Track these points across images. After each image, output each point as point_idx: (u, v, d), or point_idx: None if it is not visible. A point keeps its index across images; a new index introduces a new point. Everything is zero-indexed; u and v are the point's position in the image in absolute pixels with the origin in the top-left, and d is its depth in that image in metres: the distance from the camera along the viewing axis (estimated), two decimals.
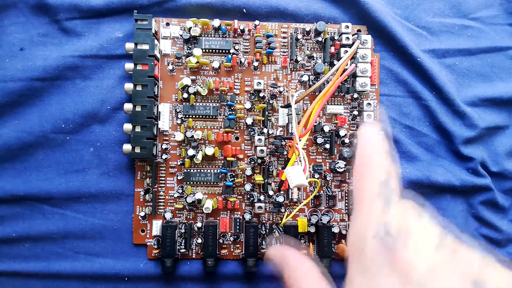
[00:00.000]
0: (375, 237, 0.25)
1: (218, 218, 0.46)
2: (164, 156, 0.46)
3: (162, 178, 0.46)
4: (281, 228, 0.46)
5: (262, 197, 0.46)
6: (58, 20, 0.46)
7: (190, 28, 0.46)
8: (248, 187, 0.45)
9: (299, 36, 0.47)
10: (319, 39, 0.47)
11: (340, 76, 0.43)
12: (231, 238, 0.46)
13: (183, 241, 0.45)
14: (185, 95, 0.46)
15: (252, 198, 0.45)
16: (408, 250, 0.23)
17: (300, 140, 0.40)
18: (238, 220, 0.46)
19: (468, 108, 0.49)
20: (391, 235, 0.24)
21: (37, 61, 0.45)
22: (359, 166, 0.29)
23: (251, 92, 0.47)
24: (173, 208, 0.46)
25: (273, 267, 0.35)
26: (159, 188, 0.46)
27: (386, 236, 0.24)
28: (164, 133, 0.46)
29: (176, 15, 0.47)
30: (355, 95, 0.47)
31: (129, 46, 0.44)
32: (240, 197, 0.46)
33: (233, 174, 0.46)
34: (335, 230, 0.46)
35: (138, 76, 0.43)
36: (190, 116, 0.46)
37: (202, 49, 0.46)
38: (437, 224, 0.26)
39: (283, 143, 0.46)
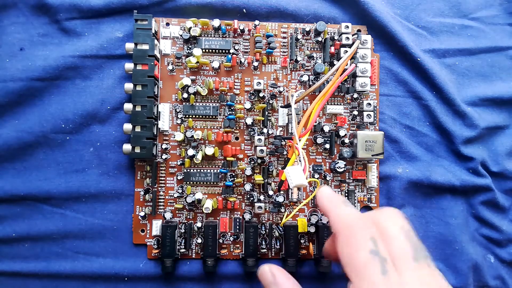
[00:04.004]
0: None
1: (218, 218, 0.46)
2: (164, 156, 0.46)
3: (162, 178, 0.46)
4: (281, 228, 0.46)
5: (262, 197, 0.46)
6: (58, 20, 0.46)
7: (190, 28, 0.46)
8: (248, 187, 0.45)
9: (299, 36, 0.47)
10: (319, 39, 0.47)
11: (340, 76, 0.43)
12: (231, 238, 0.46)
13: (183, 241, 0.45)
14: (185, 95, 0.46)
15: (252, 198, 0.45)
16: None
17: (300, 140, 0.40)
18: (238, 220, 0.46)
19: (468, 108, 0.49)
20: None
21: (37, 61, 0.45)
22: (343, 238, 0.29)
23: (251, 92, 0.47)
24: (173, 208, 0.46)
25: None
26: (159, 188, 0.46)
27: None
28: (164, 133, 0.46)
29: (176, 15, 0.47)
30: (355, 95, 0.47)
31: (129, 46, 0.44)
32: (240, 197, 0.46)
33: (233, 174, 0.46)
34: None
35: (138, 76, 0.43)
36: (190, 116, 0.46)
37: (202, 49, 0.46)
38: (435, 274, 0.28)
39: (283, 143, 0.46)
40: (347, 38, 0.46)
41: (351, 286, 0.28)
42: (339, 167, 0.46)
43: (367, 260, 0.27)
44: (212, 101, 0.47)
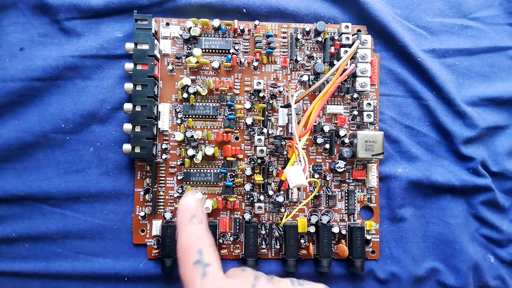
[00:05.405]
0: None
1: (218, 218, 0.46)
2: (164, 156, 0.46)
3: (162, 178, 0.46)
4: (281, 228, 0.46)
5: (262, 197, 0.46)
6: (58, 20, 0.46)
7: (190, 28, 0.46)
8: (248, 187, 0.45)
9: (299, 36, 0.47)
10: (319, 39, 0.47)
11: (340, 76, 0.43)
12: (231, 238, 0.46)
13: None
14: (185, 95, 0.46)
15: (252, 198, 0.45)
16: None
17: (300, 140, 0.40)
18: (238, 220, 0.46)
19: (468, 108, 0.49)
20: None
21: (37, 61, 0.45)
22: (178, 258, 0.34)
23: (251, 92, 0.47)
24: (173, 208, 0.46)
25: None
26: (159, 188, 0.46)
27: None
28: (164, 133, 0.46)
29: (176, 15, 0.47)
30: (355, 95, 0.47)
31: (129, 46, 0.44)
32: (240, 197, 0.46)
33: (233, 174, 0.46)
34: (335, 230, 0.46)
35: (138, 76, 0.43)
36: (190, 116, 0.46)
37: (202, 49, 0.46)
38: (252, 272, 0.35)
39: (283, 143, 0.46)
40: (347, 38, 0.46)
41: None
42: (339, 167, 0.46)
43: (191, 271, 0.32)
44: (212, 101, 0.47)
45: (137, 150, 0.43)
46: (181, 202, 0.37)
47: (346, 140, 0.46)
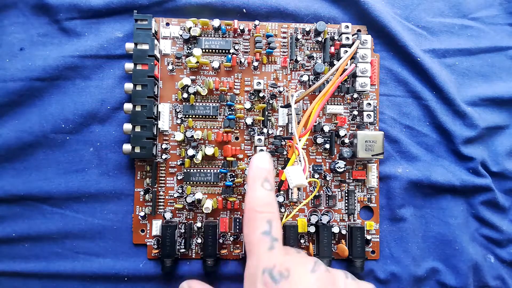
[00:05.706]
0: (263, 283, 0.32)
1: (218, 218, 0.46)
2: (164, 156, 0.46)
3: (162, 178, 0.46)
4: None
5: None
6: (58, 20, 0.46)
7: (190, 28, 0.46)
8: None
9: (299, 36, 0.47)
10: (319, 39, 0.47)
11: (340, 76, 0.43)
12: (231, 238, 0.46)
13: (183, 241, 0.45)
14: (185, 95, 0.46)
15: None
16: (289, 284, 0.31)
17: (300, 140, 0.40)
18: (238, 220, 0.46)
19: (468, 108, 0.49)
20: (274, 278, 0.32)
21: (37, 61, 0.45)
22: (245, 219, 0.35)
23: (251, 92, 0.47)
24: (173, 208, 0.46)
25: None
26: (159, 188, 0.46)
27: (271, 279, 0.32)
28: (164, 133, 0.46)
29: (176, 15, 0.47)
30: (355, 95, 0.47)
31: (129, 46, 0.44)
32: (240, 197, 0.46)
33: (233, 174, 0.46)
34: (335, 230, 0.46)
35: (138, 76, 0.43)
36: (190, 116, 0.46)
37: (202, 49, 0.46)
38: (311, 257, 0.35)
39: (283, 143, 0.46)
40: (347, 38, 0.46)
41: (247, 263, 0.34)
42: (339, 167, 0.46)
43: (258, 239, 0.33)
44: (212, 101, 0.47)
45: (137, 150, 0.43)
46: (255, 160, 0.36)
47: (346, 140, 0.46)
